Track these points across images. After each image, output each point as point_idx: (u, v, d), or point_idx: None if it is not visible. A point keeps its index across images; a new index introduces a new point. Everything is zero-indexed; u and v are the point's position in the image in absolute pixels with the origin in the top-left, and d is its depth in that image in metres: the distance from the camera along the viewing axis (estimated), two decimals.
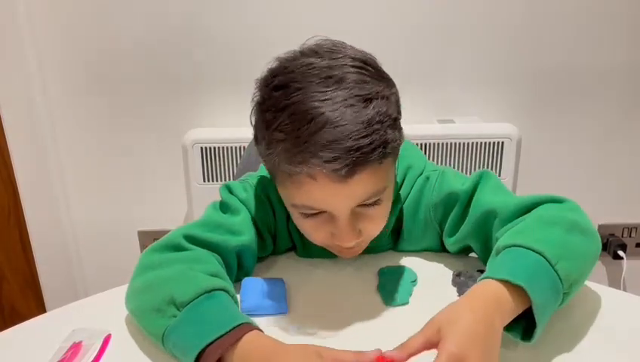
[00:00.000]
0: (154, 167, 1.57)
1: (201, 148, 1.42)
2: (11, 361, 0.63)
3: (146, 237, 1.65)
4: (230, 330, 0.57)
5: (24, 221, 1.52)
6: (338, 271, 0.79)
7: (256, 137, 0.69)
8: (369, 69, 0.67)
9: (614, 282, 1.67)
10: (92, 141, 1.55)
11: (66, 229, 1.63)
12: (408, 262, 0.80)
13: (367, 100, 0.63)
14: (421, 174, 0.79)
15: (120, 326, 0.67)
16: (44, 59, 1.47)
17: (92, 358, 0.62)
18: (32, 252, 1.55)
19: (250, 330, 0.58)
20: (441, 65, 1.47)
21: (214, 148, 1.42)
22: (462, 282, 0.73)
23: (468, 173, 1.43)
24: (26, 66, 1.46)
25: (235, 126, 1.47)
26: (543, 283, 0.59)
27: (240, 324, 0.58)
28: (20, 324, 0.69)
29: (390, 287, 0.73)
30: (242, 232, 0.74)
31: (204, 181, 1.45)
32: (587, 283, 0.76)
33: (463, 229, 0.75)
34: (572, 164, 1.57)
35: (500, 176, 1.43)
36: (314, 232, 0.71)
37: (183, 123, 1.49)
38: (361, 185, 0.64)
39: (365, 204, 0.67)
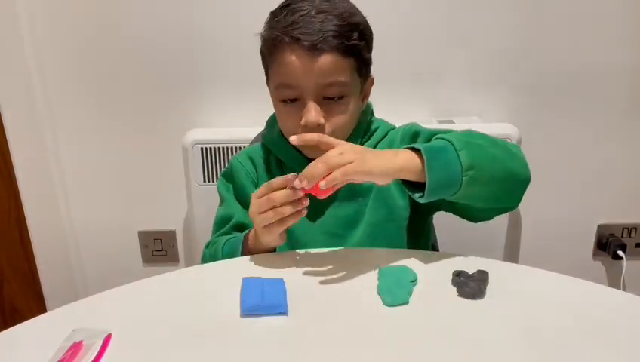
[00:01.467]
0: (154, 167, 1.57)
1: (201, 148, 1.42)
2: (11, 361, 0.63)
3: (146, 237, 1.65)
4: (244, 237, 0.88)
5: (24, 221, 1.52)
6: (338, 271, 0.79)
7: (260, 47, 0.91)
8: (350, 2, 0.89)
9: (614, 282, 1.67)
10: (92, 141, 1.55)
11: (66, 229, 1.63)
12: (408, 262, 0.80)
13: (343, 11, 0.85)
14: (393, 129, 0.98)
15: (120, 326, 0.67)
16: (44, 59, 1.47)
17: (92, 358, 0.62)
18: (32, 252, 1.55)
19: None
20: (441, 65, 1.47)
21: (214, 148, 1.43)
22: (462, 282, 0.73)
23: None
24: (26, 66, 1.46)
25: (235, 126, 1.47)
26: (442, 158, 0.75)
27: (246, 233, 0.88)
28: (20, 324, 0.69)
29: (390, 287, 0.74)
30: (232, 214, 0.97)
31: (204, 181, 1.45)
32: (587, 283, 0.76)
33: None
34: (572, 164, 1.57)
35: None
36: (289, 119, 0.89)
37: (183, 123, 1.49)
38: (326, 65, 0.84)
39: (330, 98, 0.86)
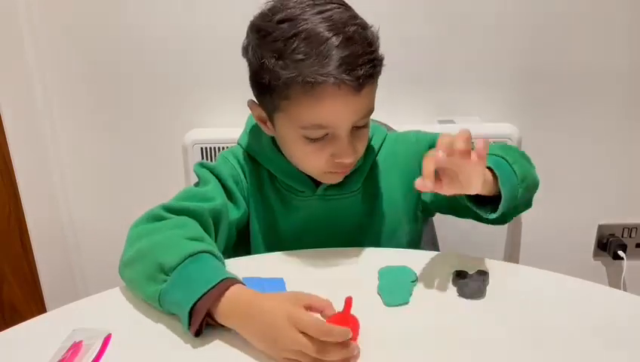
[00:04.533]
0: (154, 167, 1.57)
1: (201, 148, 1.42)
2: (11, 361, 0.63)
3: None
4: (214, 286, 0.65)
5: (24, 221, 1.52)
6: (338, 271, 0.79)
7: (256, 72, 0.80)
8: (346, 6, 0.79)
9: (614, 282, 1.67)
10: (92, 141, 1.55)
11: (66, 229, 1.63)
12: (408, 262, 0.80)
13: (363, 27, 0.77)
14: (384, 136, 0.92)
15: (120, 326, 0.67)
16: (44, 59, 1.47)
17: (92, 358, 0.62)
18: (32, 252, 1.55)
19: (233, 284, 0.66)
20: (441, 65, 1.47)
21: (214, 148, 1.42)
22: (462, 282, 0.74)
23: None
24: (26, 66, 1.46)
25: (235, 126, 1.46)
26: (505, 172, 0.75)
27: (223, 279, 0.66)
28: (20, 324, 0.69)
29: (390, 287, 0.74)
30: (214, 198, 0.83)
31: None
32: (587, 283, 0.76)
33: None
34: (572, 164, 1.56)
35: None
36: (315, 157, 0.80)
37: (183, 123, 1.49)
38: (365, 98, 0.76)
39: (358, 126, 0.79)
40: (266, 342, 0.62)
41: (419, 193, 0.90)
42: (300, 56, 0.72)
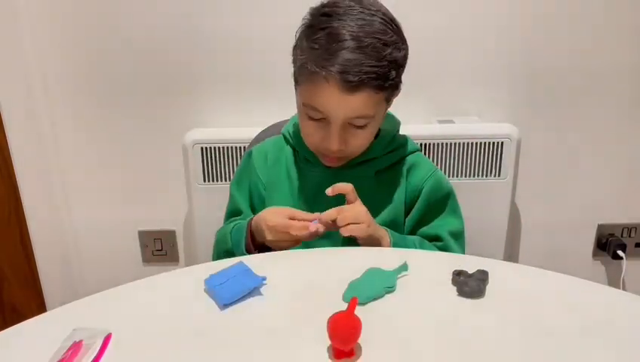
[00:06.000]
0: (154, 167, 1.57)
1: (201, 148, 1.42)
2: (11, 361, 0.63)
3: (146, 237, 1.65)
4: (246, 231, 0.95)
5: (24, 221, 1.52)
6: (335, 270, 0.79)
7: (293, 48, 0.92)
8: (393, 26, 0.89)
9: (614, 282, 1.67)
10: (92, 141, 1.55)
11: (66, 229, 1.63)
12: (408, 261, 0.80)
13: (386, 44, 0.85)
14: (415, 152, 1.04)
15: (120, 325, 0.67)
16: (44, 59, 1.47)
17: (92, 358, 0.62)
18: (32, 252, 1.55)
19: (250, 221, 0.96)
20: (441, 65, 1.47)
21: (214, 148, 1.43)
22: (462, 282, 0.73)
23: (468, 173, 1.43)
24: (26, 66, 1.46)
25: (235, 126, 1.47)
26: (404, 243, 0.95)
27: (247, 223, 0.96)
28: (20, 324, 0.69)
29: (359, 285, 0.73)
30: (240, 211, 1.06)
31: (205, 181, 1.45)
32: (587, 283, 0.76)
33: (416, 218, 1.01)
34: (572, 164, 1.57)
35: (499, 176, 1.43)
36: (310, 134, 0.94)
37: (183, 123, 1.49)
38: (359, 102, 0.86)
39: (355, 125, 0.89)
40: (266, 239, 0.91)
41: (401, 218, 1.02)
42: (315, 46, 0.85)
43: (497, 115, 1.51)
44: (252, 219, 0.96)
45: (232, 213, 1.08)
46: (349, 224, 0.87)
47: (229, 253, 0.97)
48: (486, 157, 1.42)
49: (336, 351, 0.61)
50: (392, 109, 1.08)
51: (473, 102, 1.51)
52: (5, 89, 1.42)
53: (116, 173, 1.58)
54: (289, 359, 0.63)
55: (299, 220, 0.88)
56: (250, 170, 1.07)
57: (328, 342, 0.63)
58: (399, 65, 0.88)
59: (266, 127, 1.25)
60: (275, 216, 0.90)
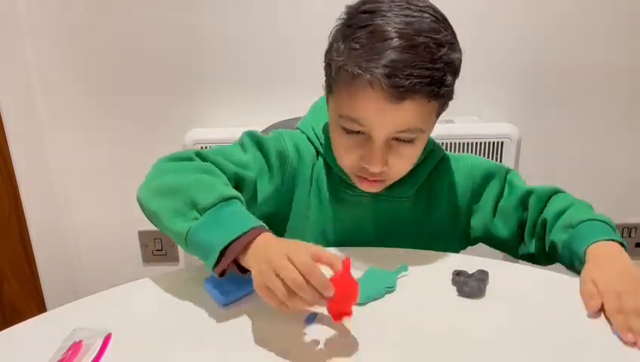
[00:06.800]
0: None
1: (202, 147, 1.41)
2: (11, 361, 0.63)
3: (146, 237, 1.65)
4: (246, 232, 0.65)
5: (24, 221, 1.52)
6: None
7: (326, 51, 0.78)
8: (445, 24, 0.76)
9: None
10: (92, 141, 1.55)
11: (66, 229, 1.63)
12: (409, 262, 0.80)
13: (440, 44, 0.72)
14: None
15: (120, 325, 0.67)
16: (44, 59, 1.47)
17: (92, 358, 0.62)
18: (32, 252, 1.55)
19: (262, 232, 0.66)
20: None
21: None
22: (462, 282, 0.73)
23: None
24: (26, 66, 1.46)
25: (235, 126, 1.46)
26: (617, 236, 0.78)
27: (253, 228, 0.66)
28: (20, 324, 0.69)
29: (360, 284, 0.73)
30: (247, 167, 0.81)
31: None
32: None
33: (503, 205, 0.89)
34: (572, 164, 1.57)
35: None
36: (346, 152, 0.78)
37: (183, 123, 1.49)
38: (407, 113, 0.72)
39: (400, 139, 0.75)
40: (258, 263, 0.63)
41: (467, 217, 0.91)
42: (356, 46, 0.71)
43: (497, 114, 1.51)
44: (261, 228, 0.67)
45: (235, 161, 0.80)
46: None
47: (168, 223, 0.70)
48: (486, 156, 1.42)
49: (335, 313, 0.61)
50: None
51: (473, 102, 1.51)
52: (5, 89, 1.42)
53: (116, 173, 1.58)
54: (289, 359, 0.63)
55: (324, 262, 0.62)
56: (276, 154, 0.84)
57: (328, 342, 0.63)
58: (455, 68, 0.77)
59: (265, 126, 1.25)
60: (299, 252, 0.60)
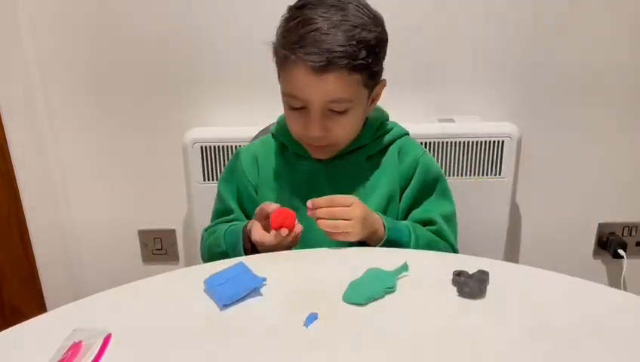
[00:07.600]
0: (154, 167, 1.57)
1: (201, 147, 1.42)
2: (11, 361, 0.63)
3: (146, 237, 1.65)
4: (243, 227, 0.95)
5: (24, 221, 1.52)
6: (335, 270, 0.79)
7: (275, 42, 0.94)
8: (366, 11, 0.89)
9: (614, 281, 1.67)
10: (92, 141, 1.55)
11: (66, 229, 1.63)
12: (409, 261, 0.80)
13: (354, 26, 0.86)
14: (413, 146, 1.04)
15: (120, 326, 0.67)
16: (44, 59, 1.47)
17: (92, 358, 0.62)
18: (32, 252, 1.55)
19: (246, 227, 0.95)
20: (441, 64, 1.47)
21: (214, 147, 1.42)
22: (462, 282, 0.73)
23: (468, 172, 1.43)
24: (26, 66, 1.46)
25: (235, 125, 1.47)
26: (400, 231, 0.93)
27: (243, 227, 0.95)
28: (20, 324, 0.69)
29: (359, 285, 0.73)
30: (231, 211, 1.05)
31: (205, 180, 1.45)
32: (587, 282, 0.76)
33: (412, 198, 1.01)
34: (572, 163, 1.56)
35: (500, 175, 1.43)
36: (294, 123, 0.95)
37: (183, 123, 1.49)
38: (331, 84, 0.86)
39: (335, 110, 0.90)
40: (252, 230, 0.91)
41: (396, 201, 1.02)
42: (287, 33, 0.88)
43: (498, 113, 1.51)
44: (248, 222, 0.96)
45: (221, 211, 1.07)
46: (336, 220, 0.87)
47: (224, 255, 0.96)
48: (486, 156, 1.42)
49: (276, 226, 0.85)
50: (392, 108, 1.08)
51: (474, 102, 1.51)
52: (5, 89, 1.42)
53: (116, 173, 1.58)
54: (289, 359, 0.63)
55: (264, 208, 0.89)
56: (238, 172, 1.06)
57: (328, 342, 0.63)
58: (370, 45, 0.87)
59: (265, 126, 1.25)
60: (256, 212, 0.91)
